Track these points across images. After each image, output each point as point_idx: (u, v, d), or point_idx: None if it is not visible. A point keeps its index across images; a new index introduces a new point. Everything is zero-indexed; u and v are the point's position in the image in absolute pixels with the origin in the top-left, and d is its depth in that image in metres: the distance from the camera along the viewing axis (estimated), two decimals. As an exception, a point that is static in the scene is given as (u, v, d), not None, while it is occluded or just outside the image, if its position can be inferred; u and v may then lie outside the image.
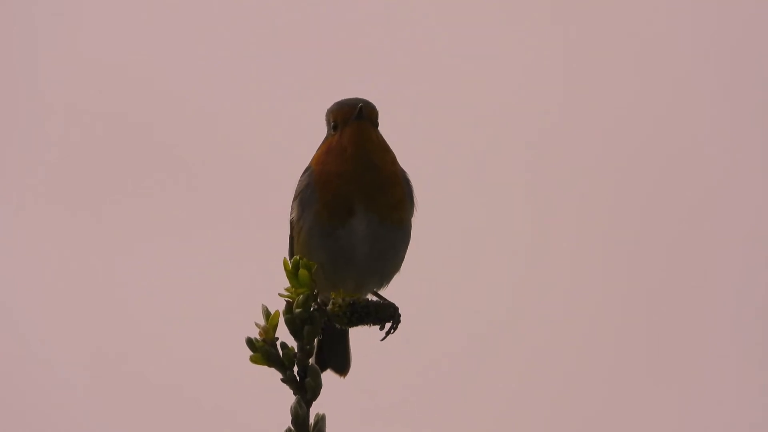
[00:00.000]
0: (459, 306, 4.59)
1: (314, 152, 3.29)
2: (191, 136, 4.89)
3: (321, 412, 2.89)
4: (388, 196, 3.17)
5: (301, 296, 2.86)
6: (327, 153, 3.22)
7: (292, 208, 3.24)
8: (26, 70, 4.95)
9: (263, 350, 2.87)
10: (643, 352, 4.79)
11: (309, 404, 2.88)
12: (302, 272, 2.85)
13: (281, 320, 2.89)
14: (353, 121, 3.19)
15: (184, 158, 4.85)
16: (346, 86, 3.33)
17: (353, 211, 3.14)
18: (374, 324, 3.02)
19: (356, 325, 2.98)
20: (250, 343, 2.88)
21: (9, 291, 4.78)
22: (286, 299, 2.90)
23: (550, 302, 4.76)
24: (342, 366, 3.33)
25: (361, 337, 3.15)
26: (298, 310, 2.86)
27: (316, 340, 2.92)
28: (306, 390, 2.88)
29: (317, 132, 3.31)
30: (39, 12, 4.95)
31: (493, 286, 4.68)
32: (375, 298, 3.11)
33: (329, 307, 2.95)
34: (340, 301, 2.95)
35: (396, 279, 3.24)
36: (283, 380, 2.89)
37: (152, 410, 4.54)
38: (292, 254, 3.26)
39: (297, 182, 3.25)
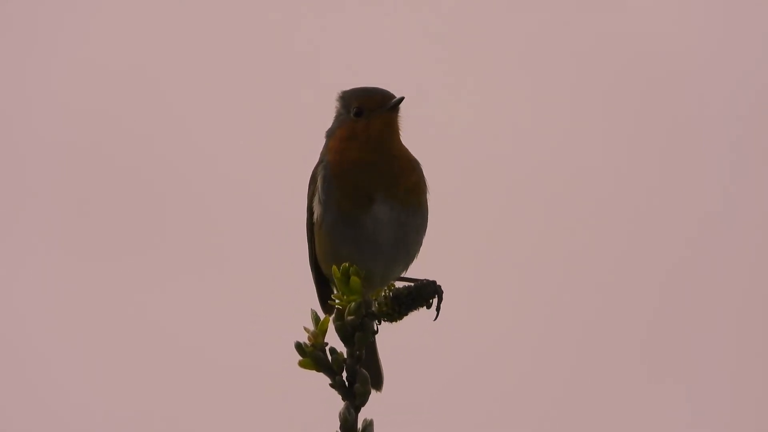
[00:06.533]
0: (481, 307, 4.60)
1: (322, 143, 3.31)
2: (211, 150, 4.93)
3: (369, 418, 2.88)
4: (405, 181, 3.18)
5: (353, 303, 2.86)
6: (348, 140, 3.22)
7: (310, 207, 3.23)
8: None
9: (312, 355, 2.87)
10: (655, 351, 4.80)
11: (357, 410, 2.87)
12: (353, 279, 2.84)
13: (330, 326, 2.89)
14: (386, 112, 3.21)
15: (207, 174, 4.89)
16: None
17: (374, 199, 3.14)
18: (421, 306, 2.99)
19: (406, 314, 2.95)
20: (300, 347, 2.87)
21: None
22: (336, 306, 2.90)
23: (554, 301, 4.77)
24: (376, 381, 3.29)
25: (397, 343, 3.16)
26: (350, 318, 2.87)
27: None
28: (355, 395, 2.87)
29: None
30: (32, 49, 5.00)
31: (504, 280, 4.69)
32: (406, 283, 3.06)
33: (374, 308, 2.93)
34: (382, 299, 2.93)
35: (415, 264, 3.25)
36: (331, 385, 2.88)
37: (202, 414, 4.57)
38: (313, 255, 3.26)
39: (310, 179, 3.25)
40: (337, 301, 2.89)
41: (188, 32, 5.01)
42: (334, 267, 2.89)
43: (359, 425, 2.87)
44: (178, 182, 4.90)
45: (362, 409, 2.89)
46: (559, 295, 4.78)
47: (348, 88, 3.27)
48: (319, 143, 3.32)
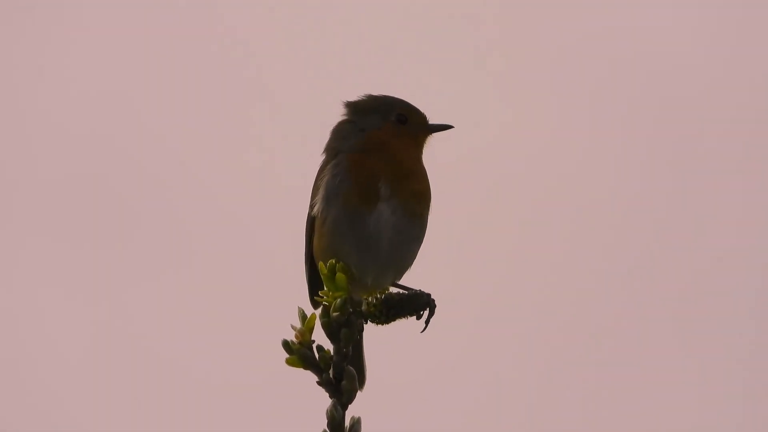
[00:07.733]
0: (475, 304, 4.60)
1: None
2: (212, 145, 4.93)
3: (356, 416, 2.88)
4: (415, 185, 3.19)
5: (339, 300, 2.85)
6: (393, 138, 3.25)
7: (313, 201, 3.22)
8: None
9: (300, 353, 2.86)
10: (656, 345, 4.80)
11: (345, 407, 2.87)
12: (339, 276, 2.84)
13: (317, 323, 2.89)
14: (427, 129, 3.30)
15: (202, 169, 4.89)
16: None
17: (379, 196, 3.14)
18: (410, 315, 2.99)
19: (394, 320, 2.95)
20: (287, 345, 2.87)
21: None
22: (323, 303, 2.89)
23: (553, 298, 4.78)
24: (359, 379, 3.31)
25: (392, 337, 3.15)
26: (335, 314, 2.86)
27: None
28: (342, 393, 2.87)
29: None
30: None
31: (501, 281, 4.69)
32: (400, 290, 3.08)
33: (363, 307, 2.93)
34: (372, 300, 2.92)
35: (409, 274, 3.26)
36: (319, 383, 2.88)
37: (189, 414, 4.56)
38: (310, 251, 3.25)
39: (317, 174, 3.25)
40: (324, 297, 2.88)
41: (182, 31, 5.01)
42: (321, 263, 2.89)
43: (347, 423, 2.86)
44: (167, 179, 4.90)
45: (350, 406, 2.88)
46: (549, 305, 4.78)
47: (377, 93, 3.30)
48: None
